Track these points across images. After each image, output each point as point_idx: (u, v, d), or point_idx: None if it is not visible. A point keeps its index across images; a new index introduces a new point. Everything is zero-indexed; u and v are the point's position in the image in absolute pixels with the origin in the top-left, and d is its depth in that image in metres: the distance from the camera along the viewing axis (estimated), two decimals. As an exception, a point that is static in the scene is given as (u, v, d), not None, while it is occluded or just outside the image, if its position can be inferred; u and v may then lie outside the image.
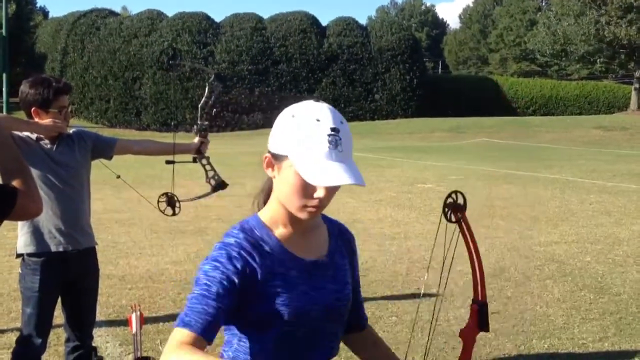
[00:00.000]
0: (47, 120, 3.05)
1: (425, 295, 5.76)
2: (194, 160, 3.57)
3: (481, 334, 4.92)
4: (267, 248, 1.56)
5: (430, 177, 15.04)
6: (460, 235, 1.91)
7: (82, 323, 3.36)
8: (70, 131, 3.24)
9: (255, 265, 1.53)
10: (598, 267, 6.78)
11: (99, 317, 5.06)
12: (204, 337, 1.42)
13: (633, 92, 43.75)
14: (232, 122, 39.08)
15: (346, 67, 40.93)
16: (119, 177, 3.60)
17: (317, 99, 1.52)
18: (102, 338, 4.63)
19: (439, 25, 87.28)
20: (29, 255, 3.15)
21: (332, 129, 1.45)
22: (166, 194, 3.61)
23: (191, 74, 38.41)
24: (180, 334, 1.42)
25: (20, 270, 3.21)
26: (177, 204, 3.63)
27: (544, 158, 20.82)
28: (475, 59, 70.93)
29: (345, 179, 1.41)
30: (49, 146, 3.12)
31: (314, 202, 1.51)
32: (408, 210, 10.33)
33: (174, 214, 3.64)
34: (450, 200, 1.89)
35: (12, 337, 4.62)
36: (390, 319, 5.15)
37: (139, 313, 2.44)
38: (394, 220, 9.46)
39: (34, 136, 3.10)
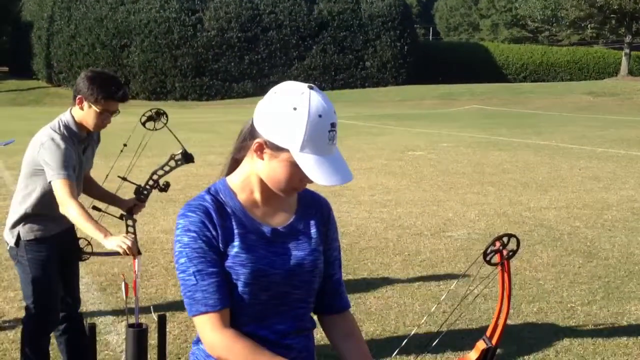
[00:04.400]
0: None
1: (415, 263, 5.81)
2: (121, 217, 3.48)
3: (470, 298, 4.95)
4: (228, 210, 1.61)
5: (421, 145, 15.06)
6: (499, 275, 1.91)
7: (76, 290, 3.46)
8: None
9: (217, 226, 1.58)
10: (587, 232, 6.85)
11: (92, 285, 5.08)
12: (227, 306, 1.57)
13: (623, 58, 43.74)
14: (222, 90, 38.85)
15: (336, 34, 40.64)
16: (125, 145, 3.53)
17: (311, 87, 1.50)
18: (95, 306, 4.65)
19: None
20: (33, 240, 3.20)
21: (332, 125, 1.50)
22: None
23: (180, 41, 38.03)
24: (211, 319, 1.55)
25: (17, 251, 3.22)
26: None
27: (535, 124, 20.86)
28: (466, 25, 70.49)
29: (345, 175, 1.52)
30: (82, 146, 3.22)
31: (302, 186, 1.60)
32: (399, 178, 10.36)
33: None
34: (500, 242, 1.89)
35: (5, 306, 4.64)
36: (381, 284, 5.20)
37: (132, 280, 2.45)
38: (385, 187, 9.49)
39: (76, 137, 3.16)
